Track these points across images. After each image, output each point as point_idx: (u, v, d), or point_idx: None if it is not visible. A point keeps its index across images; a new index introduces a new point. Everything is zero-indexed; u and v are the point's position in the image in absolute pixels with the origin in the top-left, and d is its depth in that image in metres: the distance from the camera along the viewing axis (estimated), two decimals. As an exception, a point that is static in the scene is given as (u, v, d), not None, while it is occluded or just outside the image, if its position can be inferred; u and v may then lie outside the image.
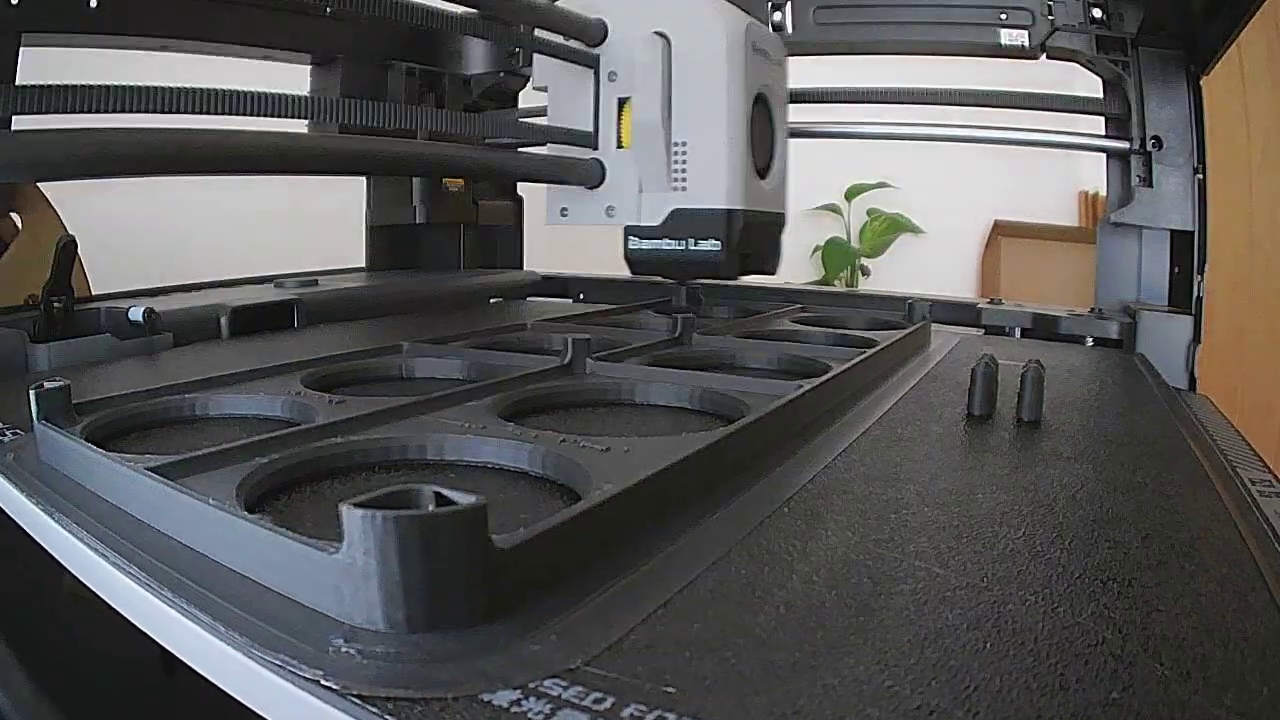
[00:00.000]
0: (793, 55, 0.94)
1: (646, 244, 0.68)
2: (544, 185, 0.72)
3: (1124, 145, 0.79)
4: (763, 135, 0.71)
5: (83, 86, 0.54)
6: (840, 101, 0.95)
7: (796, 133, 1.00)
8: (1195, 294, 0.72)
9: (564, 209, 0.71)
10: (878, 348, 0.51)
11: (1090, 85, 0.84)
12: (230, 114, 0.59)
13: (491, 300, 0.94)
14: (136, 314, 0.60)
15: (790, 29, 0.92)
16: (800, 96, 0.96)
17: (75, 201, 0.75)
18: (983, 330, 0.79)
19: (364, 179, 1.03)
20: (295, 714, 0.18)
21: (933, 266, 2.13)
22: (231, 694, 0.20)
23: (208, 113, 0.58)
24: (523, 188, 1.12)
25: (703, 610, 0.22)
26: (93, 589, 0.25)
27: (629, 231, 0.69)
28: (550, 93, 0.72)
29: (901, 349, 0.56)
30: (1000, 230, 2.04)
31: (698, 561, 0.24)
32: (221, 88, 0.51)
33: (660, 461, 0.27)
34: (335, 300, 0.77)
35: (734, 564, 0.24)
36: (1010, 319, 0.79)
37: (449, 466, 0.32)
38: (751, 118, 0.67)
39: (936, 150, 1.51)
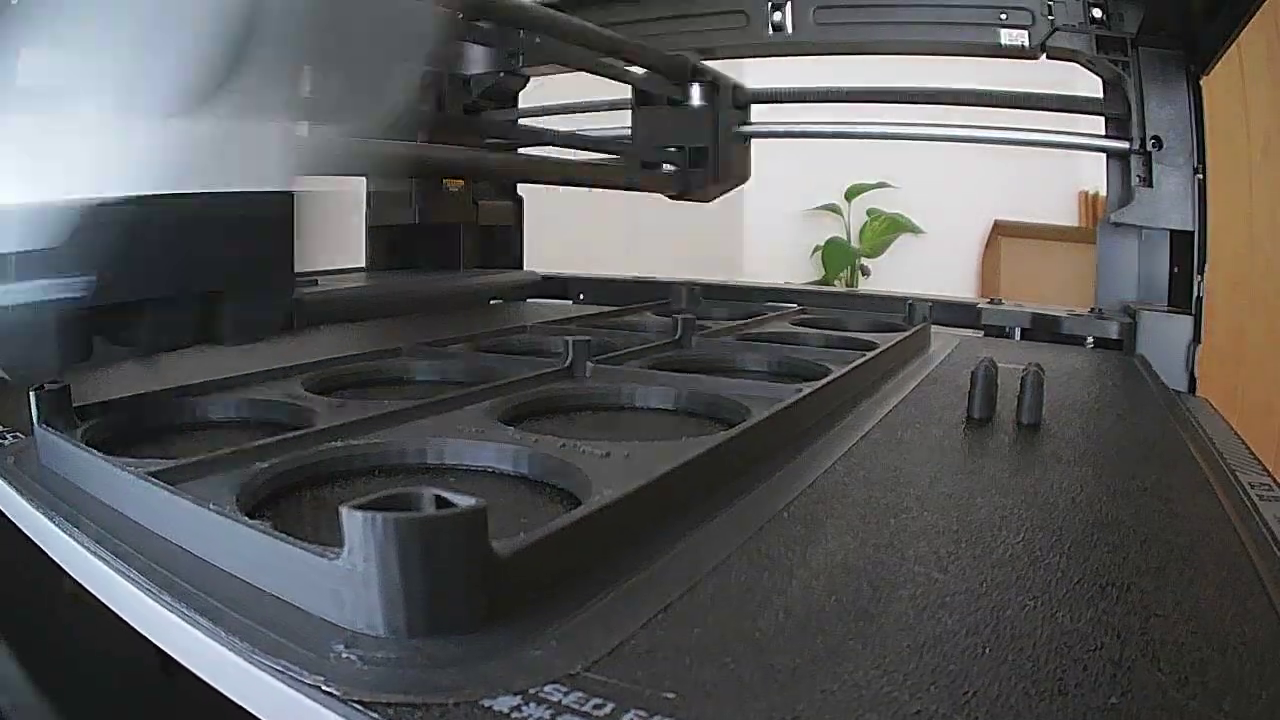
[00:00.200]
0: (793, 55, 0.94)
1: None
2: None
3: (1124, 145, 0.79)
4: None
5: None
6: (840, 101, 0.95)
7: (797, 133, 1.00)
8: (1195, 294, 0.72)
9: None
10: (877, 350, 0.51)
11: (1090, 85, 0.84)
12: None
13: (491, 301, 0.94)
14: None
15: (790, 29, 0.92)
16: (802, 96, 0.97)
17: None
18: (983, 332, 0.79)
19: (364, 179, 1.03)
20: (297, 719, 0.19)
21: (933, 266, 2.13)
22: (233, 699, 0.20)
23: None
24: (522, 188, 1.12)
25: (703, 615, 0.22)
26: (94, 594, 0.25)
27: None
28: None
29: (901, 351, 0.56)
30: (1000, 230, 2.04)
31: (698, 566, 0.24)
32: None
33: (660, 467, 0.27)
34: (335, 300, 0.77)
35: (734, 569, 0.24)
36: (1010, 319, 0.79)
37: (449, 471, 0.32)
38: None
39: (936, 150, 1.51)
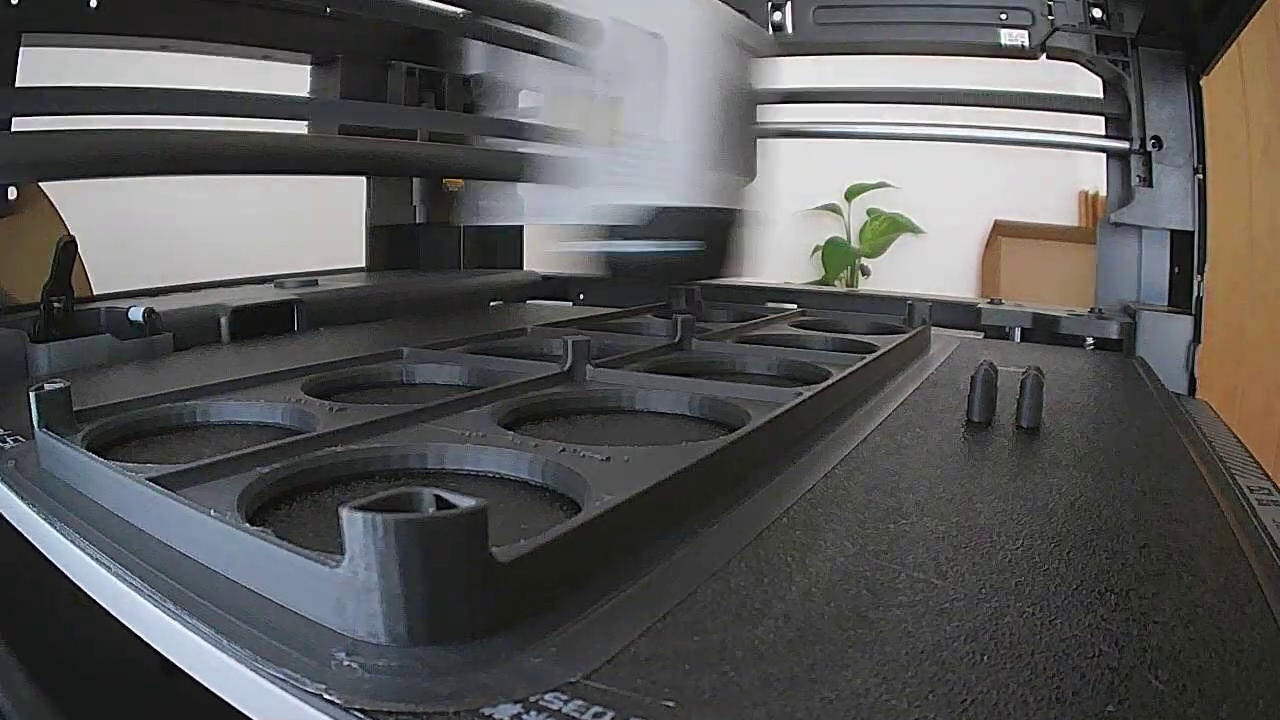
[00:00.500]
0: (793, 55, 0.94)
1: (625, 245, 0.66)
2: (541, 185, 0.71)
3: (1124, 145, 0.79)
4: (744, 131, 0.69)
5: (83, 88, 0.54)
6: (840, 101, 0.95)
7: (797, 133, 1.00)
8: (1195, 294, 0.72)
9: (545, 208, 0.71)
10: (877, 353, 0.51)
11: (1090, 85, 0.84)
12: (233, 115, 0.59)
13: (492, 303, 0.94)
14: (136, 314, 0.60)
15: (790, 29, 0.92)
16: (800, 96, 0.97)
17: (77, 201, 0.75)
18: (983, 333, 0.79)
19: (364, 179, 1.03)
20: (298, 727, 0.19)
21: (933, 266, 2.13)
22: (234, 705, 0.20)
23: (211, 114, 0.58)
24: (521, 187, 1.11)
25: (702, 623, 0.22)
26: (95, 599, 0.25)
27: (604, 232, 0.66)
28: (538, 91, 0.71)
29: (901, 354, 0.56)
30: (1000, 230, 2.03)
31: (697, 573, 0.24)
32: (223, 89, 0.51)
33: (660, 472, 0.27)
34: (335, 300, 0.77)
35: (733, 575, 0.24)
36: (1010, 319, 0.79)
37: (449, 475, 0.32)
38: (731, 112, 0.66)
39: (936, 150, 1.51)
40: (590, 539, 0.24)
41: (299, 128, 0.82)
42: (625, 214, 0.65)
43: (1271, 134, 1.03)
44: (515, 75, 1.00)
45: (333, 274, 0.95)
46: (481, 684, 0.19)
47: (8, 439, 0.37)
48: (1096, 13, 0.82)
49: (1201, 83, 0.76)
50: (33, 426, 0.33)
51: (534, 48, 0.67)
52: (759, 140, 0.74)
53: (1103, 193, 0.87)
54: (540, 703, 0.18)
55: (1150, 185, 0.77)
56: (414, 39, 0.98)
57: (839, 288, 2.06)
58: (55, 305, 0.57)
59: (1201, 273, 0.73)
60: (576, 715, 0.18)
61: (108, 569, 0.25)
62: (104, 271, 0.80)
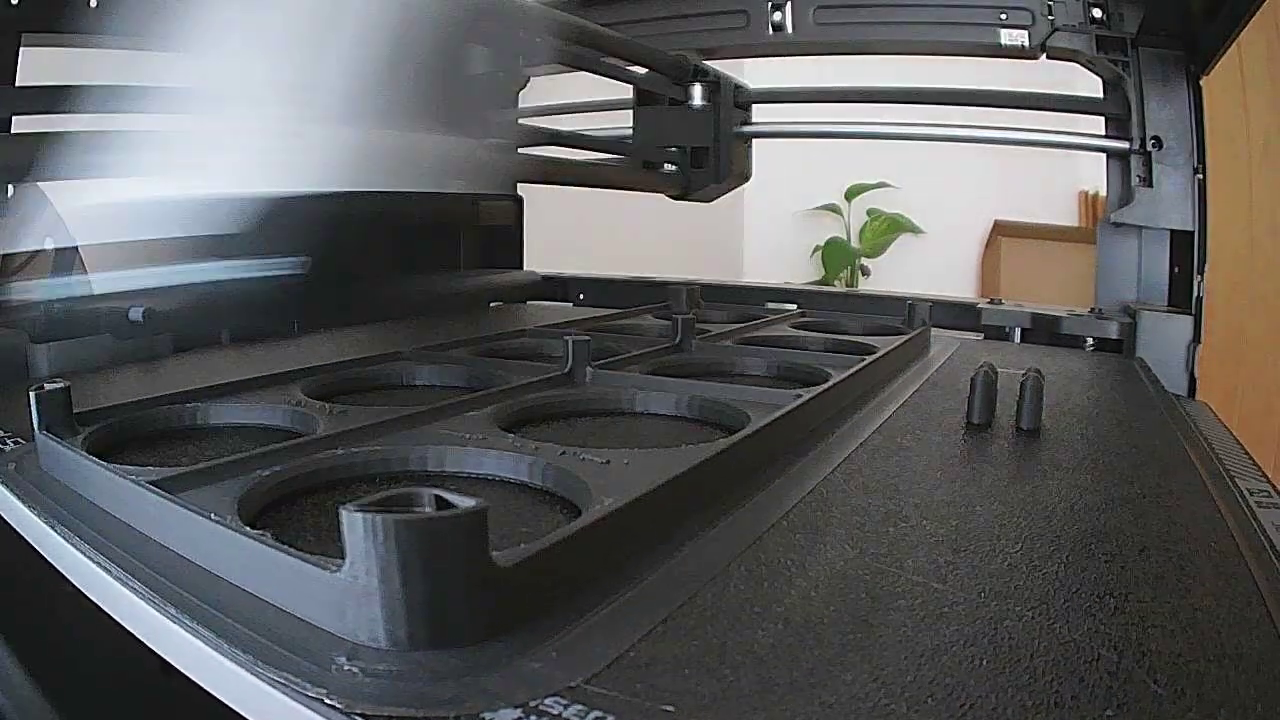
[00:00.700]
0: (793, 55, 0.94)
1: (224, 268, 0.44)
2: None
3: (1124, 145, 0.79)
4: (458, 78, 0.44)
5: (83, 88, 0.54)
6: (840, 101, 0.95)
7: (797, 133, 1.00)
8: (1195, 294, 0.72)
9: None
10: (877, 355, 0.51)
11: (1090, 85, 0.84)
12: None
13: (492, 304, 0.94)
14: (136, 314, 0.60)
15: (790, 29, 0.92)
16: (802, 96, 0.97)
17: (79, 199, 0.75)
18: (982, 334, 0.79)
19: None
20: (299, 732, 0.19)
21: (933, 266, 2.13)
22: (235, 709, 0.20)
23: (210, 114, 0.58)
24: (523, 188, 1.12)
25: (702, 627, 0.22)
26: (96, 602, 0.25)
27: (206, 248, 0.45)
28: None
29: (901, 356, 0.56)
30: (1000, 230, 2.03)
31: (697, 577, 0.24)
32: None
33: (660, 475, 0.27)
34: (336, 301, 0.77)
35: (733, 579, 0.24)
36: (1010, 319, 0.79)
37: (450, 478, 0.32)
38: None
39: (936, 150, 1.51)
40: (590, 543, 0.24)
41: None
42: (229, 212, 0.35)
43: (1271, 134, 1.03)
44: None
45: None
46: (482, 688, 0.19)
47: (8, 441, 0.37)
48: (1096, 13, 0.82)
49: (1201, 83, 0.76)
50: (33, 428, 0.33)
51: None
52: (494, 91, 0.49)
53: (1103, 193, 0.87)
54: (540, 707, 0.18)
55: (1150, 185, 0.77)
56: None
57: (839, 288, 2.06)
58: (55, 305, 0.57)
59: (1201, 273, 0.73)
60: (576, 720, 0.18)
61: (108, 572, 0.25)
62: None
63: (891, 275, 2.21)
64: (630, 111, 0.95)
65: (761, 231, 2.31)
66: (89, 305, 0.62)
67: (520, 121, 1.04)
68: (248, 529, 0.24)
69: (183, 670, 0.22)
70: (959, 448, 0.39)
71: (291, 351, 0.62)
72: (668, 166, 0.94)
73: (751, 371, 0.52)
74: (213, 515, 0.24)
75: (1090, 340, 0.74)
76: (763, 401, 0.40)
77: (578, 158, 0.92)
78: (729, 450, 0.31)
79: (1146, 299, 0.78)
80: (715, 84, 0.91)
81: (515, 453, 0.32)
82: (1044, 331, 0.77)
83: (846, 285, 2.18)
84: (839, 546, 0.27)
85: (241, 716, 0.20)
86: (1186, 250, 0.76)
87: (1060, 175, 2.00)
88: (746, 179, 1.00)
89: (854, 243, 2.26)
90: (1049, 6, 0.83)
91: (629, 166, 0.93)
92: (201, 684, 0.21)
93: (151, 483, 0.27)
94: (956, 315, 0.81)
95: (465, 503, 0.20)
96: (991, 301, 0.82)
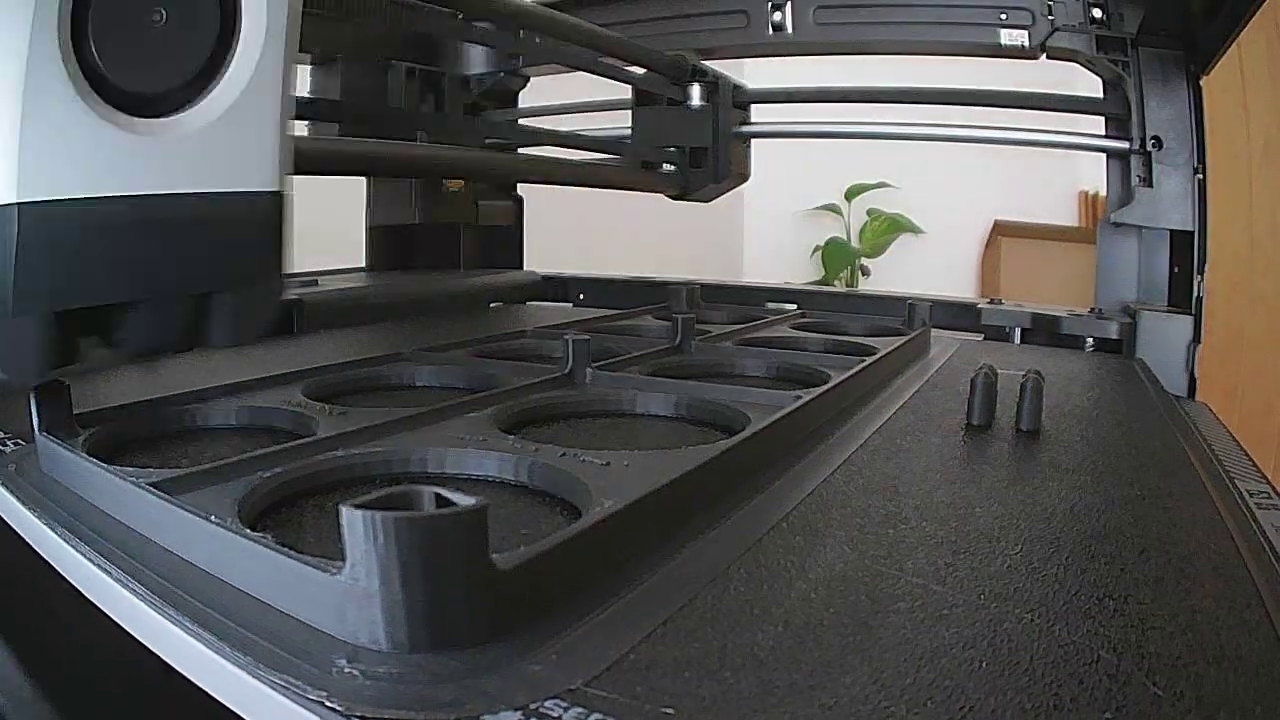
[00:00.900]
0: (793, 55, 0.94)
1: None
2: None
3: (1124, 145, 0.79)
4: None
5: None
6: (840, 101, 0.95)
7: (797, 133, 1.00)
8: (1195, 294, 0.72)
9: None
10: (877, 356, 0.51)
11: (1090, 85, 0.84)
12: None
13: (492, 305, 0.95)
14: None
15: (790, 29, 0.92)
16: (802, 96, 0.97)
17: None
18: (982, 335, 0.79)
19: (364, 179, 1.03)
20: (300, 735, 0.19)
21: (933, 266, 2.13)
22: (236, 711, 0.21)
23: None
24: (522, 188, 1.12)
25: (702, 629, 0.22)
26: (97, 604, 0.25)
27: None
28: None
29: (901, 356, 0.56)
30: (1000, 230, 2.04)
31: (697, 579, 0.25)
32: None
33: (660, 477, 0.27)
34: (336, 301, 0.77)
35: (733, 581, 0.25)
36: (1010, 319, 0.79)
37: (450, 480, 0.32)
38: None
39: (936, 150, 1.51)
40: (590, 545, 0.24)
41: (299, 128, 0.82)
42: None
43: (1271, 134, 1.03)
44: (521, 76, 1.00)
45: (333, 274, 0.95)
46: (482, 691, 0.19)
47: (8, 442, 0.37)
48: (1096, 13, 0.82)
49: (1201, 83, 0.76)
50: (33, 429, 0.33)
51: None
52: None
53: (1103, 193, 0.87)
54: (541, 710, 0.18)
55: (1150, 185, 0.77)
56: (414, 39, 0.98)
57: (839, 288, 2.06)
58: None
59: (1201, 273, 0.73)
60: (576, 723, 0.18)
61: (109, 574, 0.25)
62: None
63: (891, 275, 2.21)
64: (629, 111, 0.95)
65: (761, 231, 2.31)
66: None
67: (520, 122, 1.05)
68: (248, 531, 0.24)
69: (183, 673, 0.22)
70: (959, 449, 0.39)
71: (291, 352, 0.62)
72: (666, 166, 0.94)
73: (751, 372, 0.52)
74: (213, 518, 0.24)
75: (1090, 340, 0.74)
76: (763, 403, 0.40)
77: (577, 158, 0.92)
78: (729, 452, 0.31)
79: (1146, 299, 0.78)
80: (714, 84, 0.91)
81: (515, 454, 0.32)
82: (1044, 331, 0.77)
83: (846, 285, 2.18)
84: (839, 548, 0.27)
85: (242, 719, 0.20)
86: (1186, 250, 0.76)
87: (1060, 175, 2.00)
88: (745, 179, 1.00)
89: (854, 243, 2.26)
90: (1049, 6, 0.83)
91: (628, 166, 0.93)
92: (202, 686, 0.21)
93: (152, 485, 0.27)
94: (956, 315, 0.81)
95: (465, 501, 0.20)
96: (991, 301, 0.82)
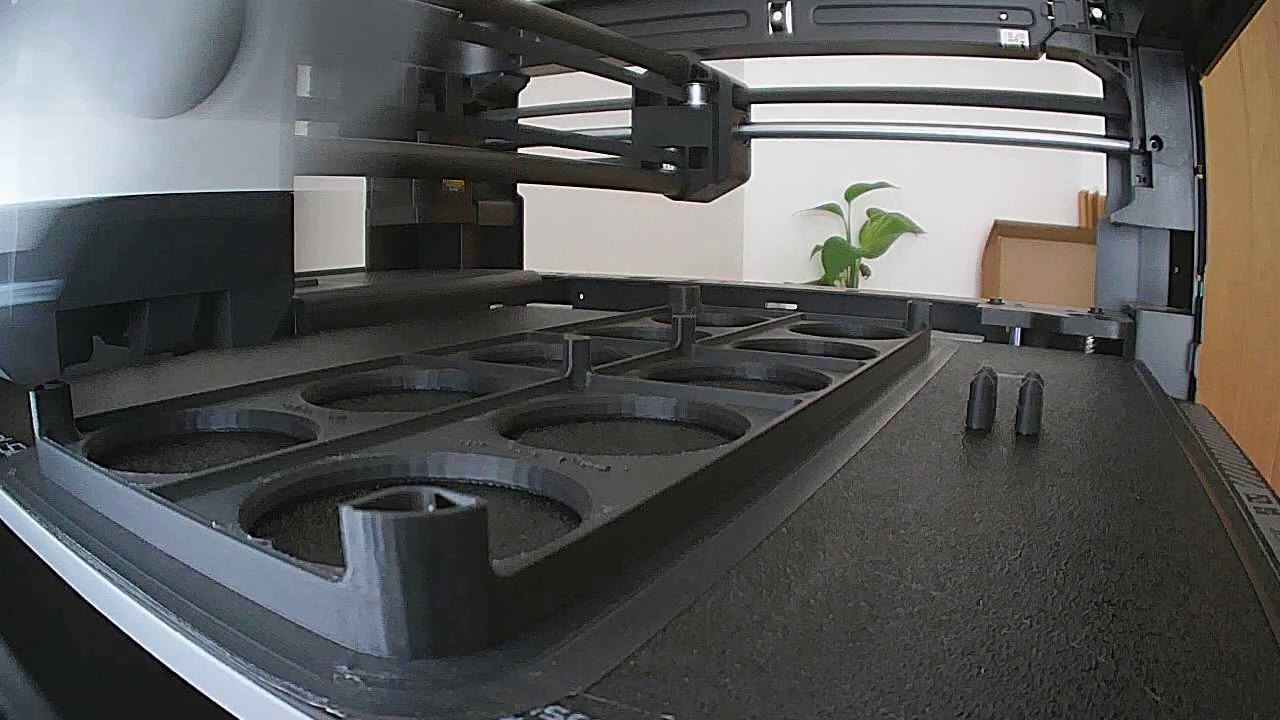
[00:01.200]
0: (792, 55, 0.94)
1: None
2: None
3: (1124, 145, 0.79)
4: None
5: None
6: (840, 101, 0.95)
7: (797, 133, 1.00)
8: (1195, 294, 0.72)
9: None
10: (877, 359, 0.51)
11: (1090, 85, 0.84)
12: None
13: (492, 306, 0.95)
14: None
15: (790, 29, 0.92)
16: (802, 96, 0.97)
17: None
18: (982, 337, 0.79)
19: (364, 179, 1.03)
20: (301, 741, 0.19)
21: (933, 266, 2.13)
22: (238, 717, 0.21)
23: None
24: (522, 188, 1.12)
25: (701, 635, 0.22)
26: (98, 609, 0.25)
27: None
28: None
29: (901, 359, 0.56)
30: (1000, 230, 2.03)
31: (696, 584, 0.25)
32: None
33: (660, 483, 0.27)
34: (336, 301, 0.77)
35: (732, 587, 0.25)
36: (1010, 319, 0.79)
37: (450, 485, 0.32)
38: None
39: (936, 150, 1.51)
40: (590, 552, 0.24)
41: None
42: None
43: (1271, 134, 1.03)
44: (521, 76, 1.00)
45: (333, 274, 0.95)
46: (482, 697, 0.19)
47: (9, 446, 0.37)
48: (1096, 13, 0.82)
49: (1201, 83, 0.76)
50: (34, 432, 0.33)
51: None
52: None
53: (1103, 193, 0.87)
54: (540, 716, 0.18)
55: (1150, 185, 0.77)
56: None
57: (839, 288, 2.06)
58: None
59: (1201, 273, 0.73)
60: (576, 730, 0.18)
61: (110, 579, 0.25)
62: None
63: (891, 275, 2.21)
64: (629, 112, 0.95)
65: (761, 231, 2.31)
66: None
67: (520, 122, 1.04)
68: (249, 537, 0.24)
69: (184, 677, 0.22)
70: (959, 453, 0.39)
71: (291, 354, 0.62)
72: (666, 167, 0.94)
73: (751, 375, 0.52)
74: (214, 523, 0.24)
75: (1090, 340, 0.74)
76: (762, 407, 0.40)
77: (577, 158, 0.92)
78: (728, 457, 0.31)
79: (1146, 299, 0.78)
80: (714, 84, 0.91)
81: (515, 459, 0.32)
82: (1044, 332, 0.77)
83: (846, 285, 2.18)
84: (838, 554, 0.27)
85: None
86: (1186, 250, 0.76)
87: (1060, 175, 2.00)
88: (745, 179, 1.00)
89: (854, 243, 2.26)
90: (1049, 6, 0.83)
91: (628, 167, 0.93)
92: (204, 691, 0.21)
93: (153, 490, 0.27)
94: (956, 315, 0.81)
95: (465, 501, 0.20)
96: (991, 302, 0.82)
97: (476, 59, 1.02)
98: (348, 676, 0.20)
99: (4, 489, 0.31)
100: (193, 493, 0.28)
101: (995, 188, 1.99)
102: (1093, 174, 1.85)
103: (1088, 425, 0.46)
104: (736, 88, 0.93)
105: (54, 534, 0.28)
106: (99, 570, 0.25)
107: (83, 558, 0.26)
